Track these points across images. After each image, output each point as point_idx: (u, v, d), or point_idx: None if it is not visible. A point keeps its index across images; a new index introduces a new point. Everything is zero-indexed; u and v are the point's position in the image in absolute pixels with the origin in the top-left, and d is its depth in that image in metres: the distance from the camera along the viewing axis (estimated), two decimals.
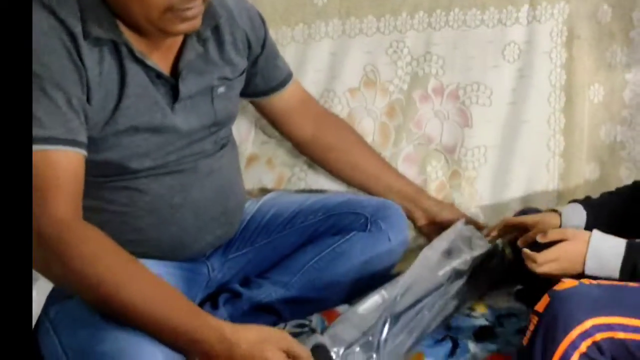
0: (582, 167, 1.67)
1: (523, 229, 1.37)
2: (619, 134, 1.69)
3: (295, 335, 1.08)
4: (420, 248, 1.34)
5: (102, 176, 1.10)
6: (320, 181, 1.62)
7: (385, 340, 1.07)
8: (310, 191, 1.60)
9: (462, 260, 1.31)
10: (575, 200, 1.40)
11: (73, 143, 1.00)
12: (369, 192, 1.50)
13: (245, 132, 1.58)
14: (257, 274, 1.37)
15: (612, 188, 1.49)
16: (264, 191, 1.59)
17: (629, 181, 1.57)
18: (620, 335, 1.09)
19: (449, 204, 1.59)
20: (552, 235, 1.24)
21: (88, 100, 1.03)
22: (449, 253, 1.31)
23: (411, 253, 1.53)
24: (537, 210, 1.54)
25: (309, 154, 1.53)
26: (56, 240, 0.96)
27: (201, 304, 1.30)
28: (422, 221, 1.52)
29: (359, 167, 1.51)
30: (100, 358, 0.95)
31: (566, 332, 1.08)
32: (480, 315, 1.36)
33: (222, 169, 1.24)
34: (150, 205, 1.15)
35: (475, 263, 1.33)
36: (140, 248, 1.14)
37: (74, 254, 0.96)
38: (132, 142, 1.09)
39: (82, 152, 1.02)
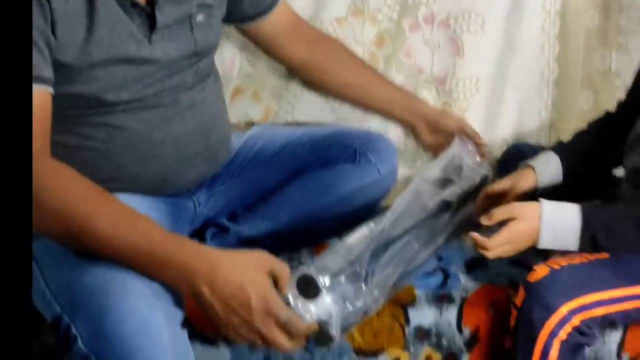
0: (575, 96, 1.64)
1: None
2: (614, 61, 1.65)
3: None
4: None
5: (78, 111, 1.07)
6: (308, 113, 1.59)
7: (373, 271, 1.06)
8: (298, 124, 1.58)
9: (452, 191, 1.30)
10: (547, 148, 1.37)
11: (37, 79, 0.96)
12: (369, 108, 1.51)
13: (229, 63, 1.55)
14: (244, 208, 1.36)
15: None
16: (250, 125, 1.57)
17: None
18: (599, 311, 1.10)
19: (449, 112, 1.57)
20: (498, 216, 1.14)
21: (53, 33, 0.99)
22: (439, 183, 1.30)
23: (402, 187, 1.54)
24: (529, 146, 1.54)
25: (302, 77, 1.52)
26: None
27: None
28: (425, 132, 1.52)
29: (355, 86, 1.49)
30: (82, 291, 0.93)
31: (543, 323, 1.09)
32: (471, 246, 1.32)
33: (205, 102, 1.22)
34: (130, 141, 1.12)
35: (465, 194, 1.32)
36: (122, 184, 1.13)
37: (43, 188, 0.92)
38: (107, 75, 1.06)
39: (47, 89, 0.98)
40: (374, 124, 1.59)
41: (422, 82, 1.61)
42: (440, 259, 1.32)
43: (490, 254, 1.14)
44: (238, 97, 1.58)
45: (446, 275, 1.28)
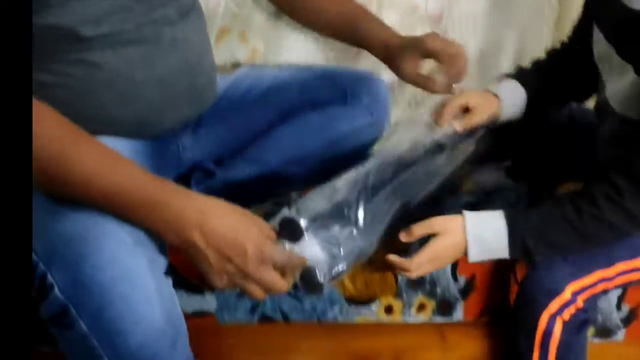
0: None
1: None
2: None
3: (271, 214, 1.03)
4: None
5: (54, 46, 1.01)
6: (297, 55, 1.54)
7: (364, 214, 1.03)
8: (287, 65, 1.51)
9: (445, 132, 1.25)
10: (507, 75, 1.33)
11: None
12: (345, 42, 1.42)
13: (213, 2, 1.48)
14: (231, 152, 1.32)
15: None
16: (237, 66, 1.52)
17: None
18: (601, 287, 1.10)
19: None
20: (417, 232, 1.07)
21: None
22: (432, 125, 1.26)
23: (394, 130, 1.51)
24: None
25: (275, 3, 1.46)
26: None
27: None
28: (409, 64, 1.28)
29: (329, 13, 1.38)
30: (59, 239, 0.89)
31: (546, 304, 1.08)
32: (468, 192, 1.34)
33: (188, 40, 1.17)
34: (109, 80, 1.07)
35: (463, 134, 1.28)
36: (102, 126, 1.08)
37: None
38: (83, 5, 1.00)
39: None
40: (366, 65, 1.54)
41: (417, 20, 1.56)
42: (435, 205, 1.28)
43: (412, 275, 1.07)
44: (224, 37, 1.53)
45: None
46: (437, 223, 1.08)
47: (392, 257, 1.07)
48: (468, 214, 1.08)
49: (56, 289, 0.88)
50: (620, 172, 1.02)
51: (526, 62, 1.51)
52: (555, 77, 1.30)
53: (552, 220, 1.06)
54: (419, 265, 1.06)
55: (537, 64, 1.34)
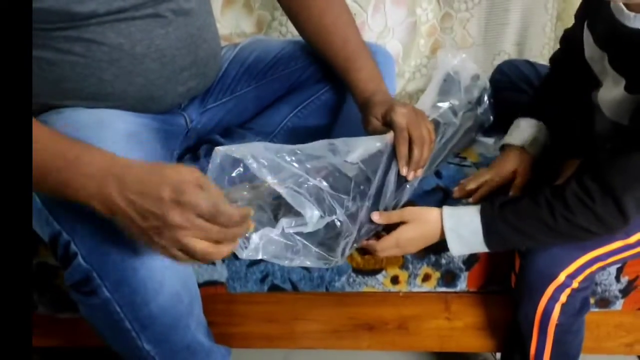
0: None
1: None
2: None
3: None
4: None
5: (52, 24, 1.02)
6: None
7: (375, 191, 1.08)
8: (293, 37, 1.54)
9: (444, 111, 1.29)
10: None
11: None
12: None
13: None
14: (238, 124, 1.36)
15: None
16: (243, 36, 1.56)
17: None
18: (597, 266, 1.14)
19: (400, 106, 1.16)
20: (390, 217, 1.12)
21: None
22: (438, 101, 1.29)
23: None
24: (527, 62, 1.52)
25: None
26: None
27: (182, 156, 1.30)
28: (374, 124, 1.18)
29: (330, 48, 1.27)
30: (81, 209, 0.90)
31: (542, 290, 1.13)
32: (472, 163, 1.38)
33: (191, 13, 1.17)
34: (110, 56, 1.08)
35: (466, 109, 1.33)
36: (108, 102, 1.11)
37: None
38: None
39: None
40: (371, 36, 1.59)
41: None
42: (439, 177, 1.33)
43: (379, 255, 1.14)
44: (229, 7, 1.56)
45: (446, 194, 1.29)
46: (407, 212, 1.13)
47: (364, 241, 1.12)
48: (446, 209, 1.12)
49: (80, 257, 0.94)
50: (594, 177, 1.03)
51: (531, 37, 1.57)
52: (564, 86, 1.31)
53: (527, 218, 1.08)
54: (383, 247, 1.12)
55: (546, 84, 1.35)
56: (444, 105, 1.29)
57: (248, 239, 0.98)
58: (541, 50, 1.64)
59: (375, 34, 1.58)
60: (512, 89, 1.46)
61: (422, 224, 1.12)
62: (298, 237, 1.01)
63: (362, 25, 1.58)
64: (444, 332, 1.35)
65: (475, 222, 1.10)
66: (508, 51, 1.63)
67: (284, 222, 1.00)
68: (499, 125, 1.45)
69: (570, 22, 1.59)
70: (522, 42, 1.64)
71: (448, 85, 1.36)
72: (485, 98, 1.44)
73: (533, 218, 1.07)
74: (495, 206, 1.10)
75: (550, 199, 1.06)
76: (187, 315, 1.02)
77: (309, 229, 1.00)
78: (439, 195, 1.29)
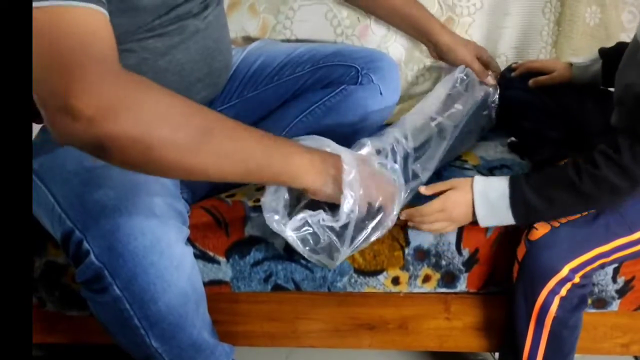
0: (580, 10, 1.64)
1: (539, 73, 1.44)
2: None
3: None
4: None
5: None
6: (307, 30, 1.61)
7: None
8: (297, 41, 1.60)
9: (450, 114, 1.36)
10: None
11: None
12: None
13: None
14: None
15: (613, 34, 1.50)
16: (248, 40, 1.59)
17: (630, 27, 1.59)
18: (598, 263, 1.17)
19: (462, 44, 1.55)
20: (437, 187, 1.21)
21: None
22: (445, 103, 1.36)
23: (403, 106, 1.60)
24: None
25: None
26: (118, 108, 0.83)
27: None
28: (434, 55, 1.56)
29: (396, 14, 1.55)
30: (94, 207, 0.99)
31: (545, 282, 1.16)
32: (472, 166, 1.40)
33: (209, 28, 1.22)
34: (135, 70, 1.06)
35: (474, 111, 1.38)
36: None
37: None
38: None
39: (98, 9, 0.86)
40: (374, 40, 1.62)
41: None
42: (440, 177, 1.34)
43: (425, 227, 1.20)
44: (234, 10, 1.59)
45: None
46: (452, 180, 1.22)
47: (406, 210, 1.19)
48: (478, 176, 1.20)
49: (92, 255, 0.99)
50: (620, 131, 1.07)
51: (530, 41, 1.61)
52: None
53: (553, 179, 1.14)
54: (431, 210, 1.19)
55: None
56: (457, 106, 1.36)
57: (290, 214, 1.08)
58: (538, 55, 1.67)
59: (379, 38, 1.61)
60: (521, 89, 1.50)
61: (462, 189, 1.18)
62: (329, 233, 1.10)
63: (365, 30, 1.62)
64: (443, 332, 1.38)
65: (503, 185, 1.15)
66: (507, 54, 1.67)
67: (322, 214, 1.08)
68: (504, 126, 1.50)
69: (570, 26, 1.65)
70: (520, 46, 1.68)
71: (457, 87, 1.42)
72: (489, 101, 1.49)
73: (558, 178, 1.13)
74: (524, 174, 1.17)
75: (578, 161, 1.11)
76: (193, 313, 1.07)
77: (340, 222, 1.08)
78: None
